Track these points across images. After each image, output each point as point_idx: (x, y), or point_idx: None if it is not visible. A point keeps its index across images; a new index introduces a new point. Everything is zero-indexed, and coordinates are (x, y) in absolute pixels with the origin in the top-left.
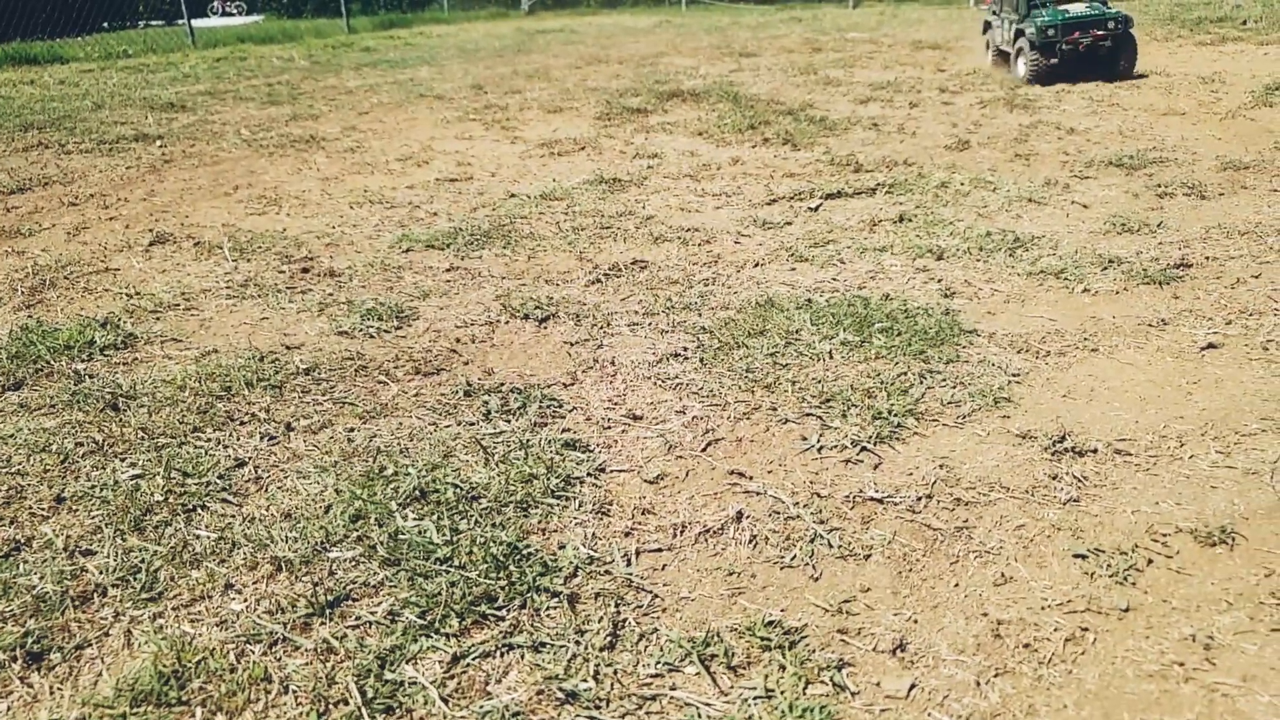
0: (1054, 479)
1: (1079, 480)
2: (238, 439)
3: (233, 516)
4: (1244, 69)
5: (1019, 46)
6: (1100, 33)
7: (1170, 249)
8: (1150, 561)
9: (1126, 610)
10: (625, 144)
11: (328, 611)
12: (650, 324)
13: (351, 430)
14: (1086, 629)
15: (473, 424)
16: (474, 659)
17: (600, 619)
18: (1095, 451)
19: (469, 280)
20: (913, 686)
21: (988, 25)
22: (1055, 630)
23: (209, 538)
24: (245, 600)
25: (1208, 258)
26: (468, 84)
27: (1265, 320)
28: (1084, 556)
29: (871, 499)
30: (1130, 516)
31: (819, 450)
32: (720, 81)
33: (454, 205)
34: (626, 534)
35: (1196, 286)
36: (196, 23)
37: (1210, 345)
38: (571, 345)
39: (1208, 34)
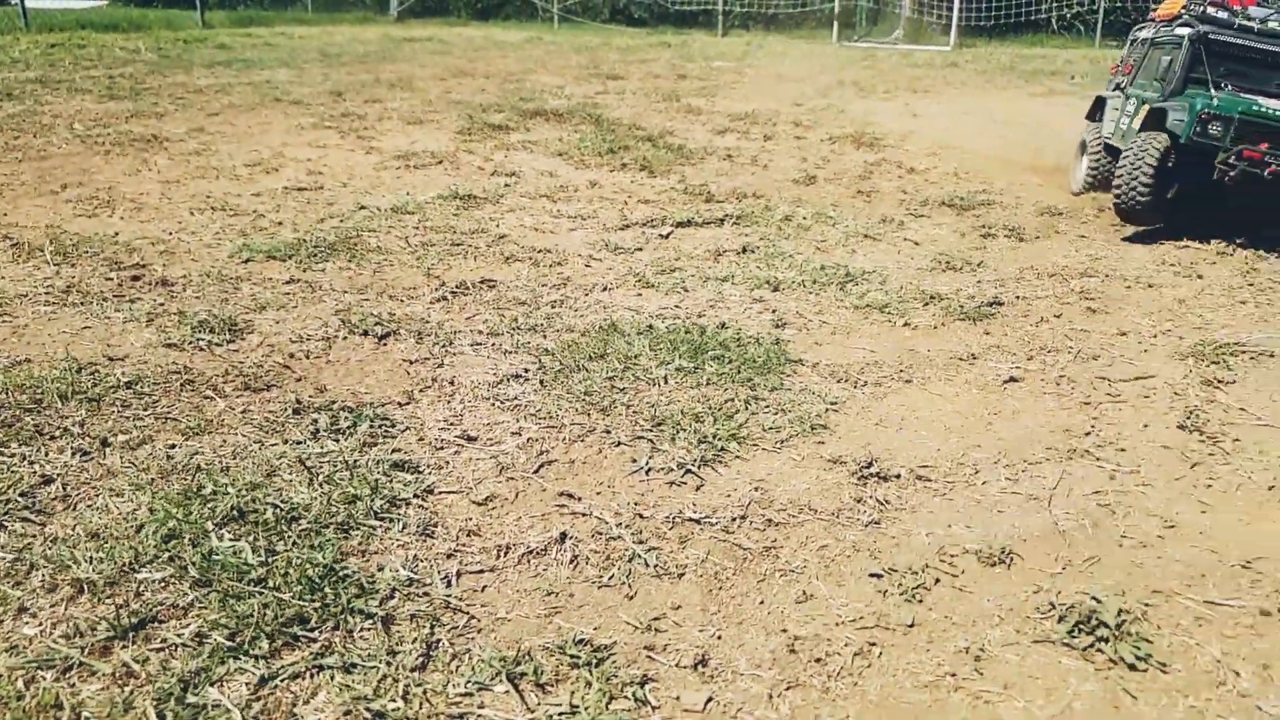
0: (859, 502)
1: (881, 504)
2: (46, 454)
3: (33, 536)
4: (1068, 121)
5: (1135, 144)
6: None
7: (987, 287)
8: (938, 580)
9: (911, 625)
10: (484, 160)
11: (131, 635)
12: (494, 344)
13: (173, 447)
14: (874, 643)
15: (299, 443)
16: (282, 680)
17: (414, 640)
18: (898, 477)
19: (309, 294)
20: (709, 700)
21: (1098, 108)
22: (846, 645)
23: (4, 559)
24: (40, 624)
25: (1018, 297)
26: (327, 89)
27: (1061, 357)
28: (879, 575)
29: (690, 519)
30: (924, 538)
31: (647, 472)
32: (585, 103)
33: (301, 215)
34: (449, 555)
35: (1005, 324)
36: (31, 3)
37: (1012, 379)
38: (411, 363)
39: (1040, 85)
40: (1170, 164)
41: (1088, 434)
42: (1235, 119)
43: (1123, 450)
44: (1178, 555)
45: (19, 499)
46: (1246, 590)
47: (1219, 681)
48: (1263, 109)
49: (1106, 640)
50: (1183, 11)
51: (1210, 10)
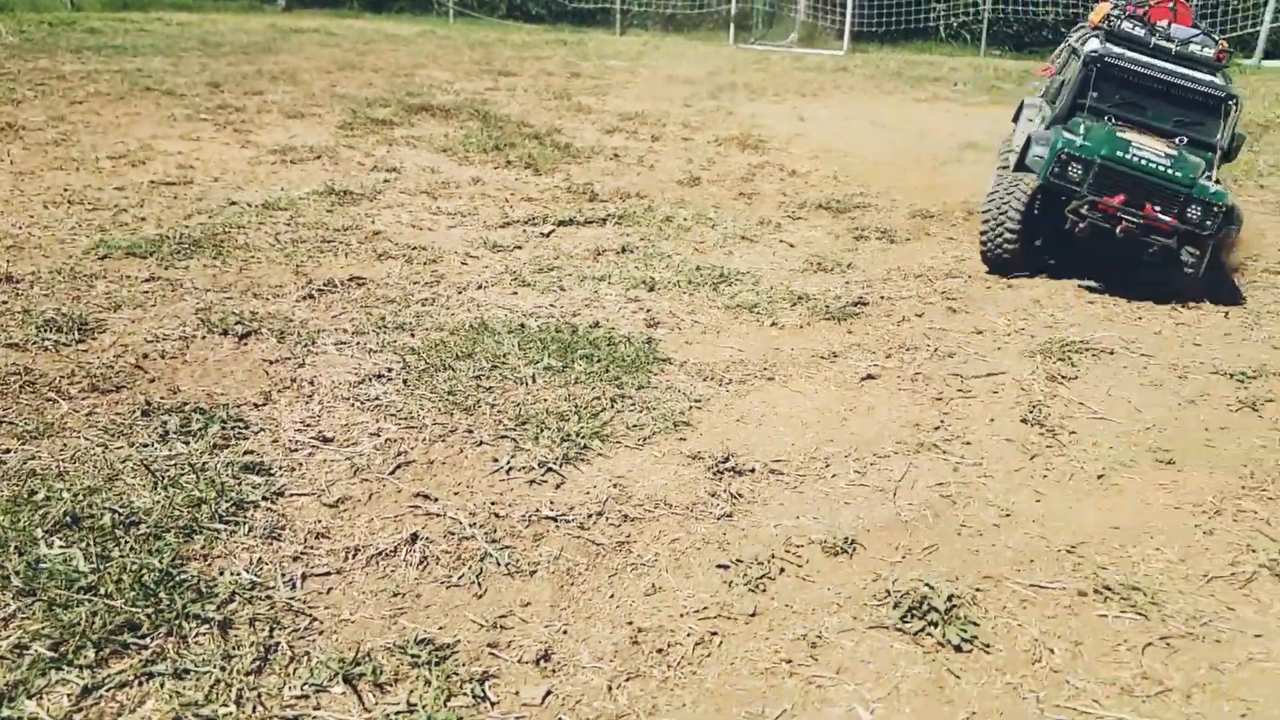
0: (713, 496)
1: (734, 498)
2: None
3: None
4: (949, 126)
5: (1001, 185)
6: (1167, 219)
7: (854, 288)
8: (782, 570)
9: (753, 615)
10: (365, 155)
11: None
12: (359, 343)
13: (6, 452)
14: (716, 633)
15: (146, 446)
16: (108, 690)
17: (251, 643)
18: (753, 471)
19: (169, 292)
20: (548, 694)
21: (1021, 111)
22: (688, 635)
23: None
24: None
25: (883, 297)
26: (204, 80)
27: (918, 355)
28: (726, 567)
29: (546, 517)
30: (772, 530)
31: (508, 472)
32: (474, 99)
33: (166, 211)
34: (295, 558)
35: (868, 323)
36: None
37: (869, 376)
38: (270, 364)
39: (925, 90)
40: (1037, 209)
41: (937, 428)
42: (1096, 163)
43: (968, 444)
44: (1010, 542)
45: None
46: (1069, 573)
47: (1035, 659)
48: (1130, 155)
49: (936, 624)
50: (1103, 23)
51: (1126, 25)
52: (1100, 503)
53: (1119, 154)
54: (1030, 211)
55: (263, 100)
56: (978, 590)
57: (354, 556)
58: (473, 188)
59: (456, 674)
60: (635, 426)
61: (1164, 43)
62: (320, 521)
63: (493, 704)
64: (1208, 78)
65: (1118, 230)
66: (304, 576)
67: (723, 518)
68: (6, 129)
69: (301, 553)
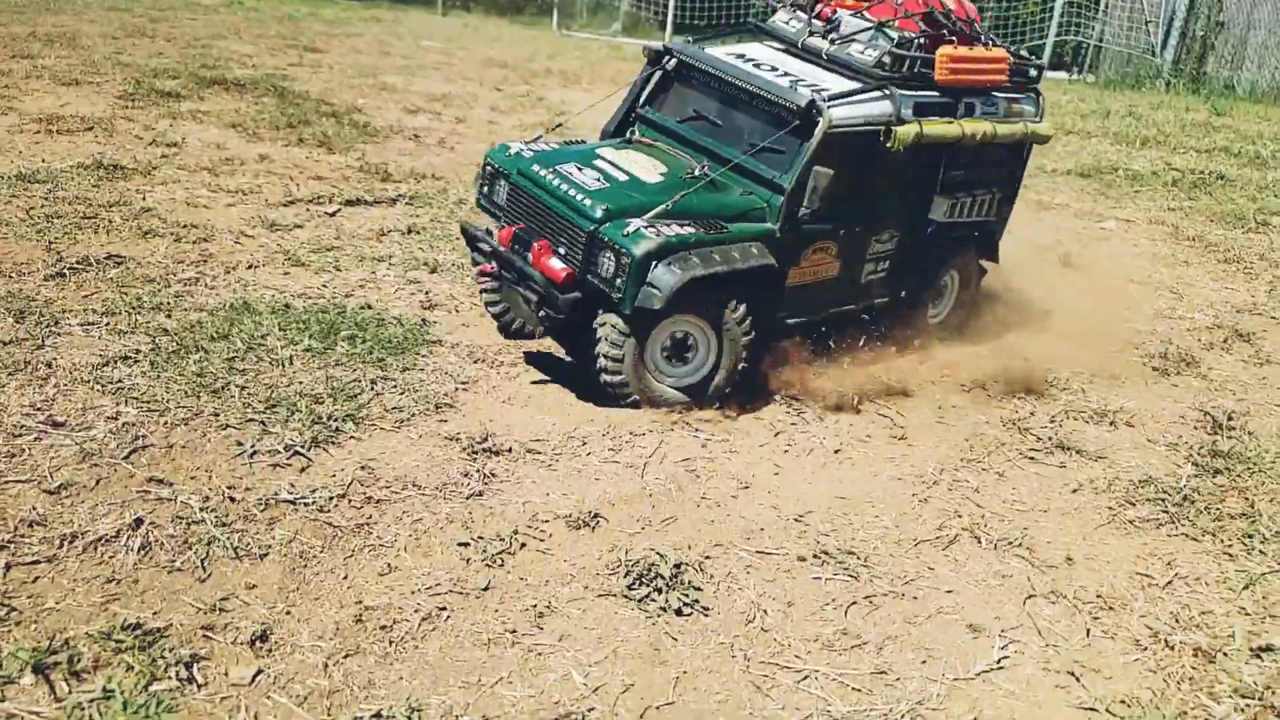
0: (465, 476)
1: (487, 477)
2: None
3: None
4: None
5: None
6: (558, 267)
7: None
8: (524, 545)
9: (486, 589)
10: (145, 129)
11: None
12: (108, 324)
13: None
14: (445, 608)
15: None
16: None
17: None
18: (510, 450)
19: None
20: (259, 673)
21: None
22: (415, 611)
23: None
24: None
25: None
26: None
27: None
28: (466, 544)
29: (284, 500)
30: (521, 507)
31: (251, 455)
32: (274, 74)
33: None
34: (2, 547)
35: None
36: None
37: None
38: (4, 345)
39: None
40: None
41: (691, 408)
42: (510, 179)
43: (720, 422)
44: (745, 513)
45: None
46: (794, 540)
47: (749, 620)
48: (544, 172)
49: (661, 590)
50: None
51: (781, 16)
52: (832, 474)
53: (534, 169)
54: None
55: (33, 64)
56: (706, 558)
57: (70, 544)
58: (259, 165)
59: (163, 658)
60: (394, 408)
61: (819, 41)
62: (36, 509)
63: (200, 686)
64: (787, 89)
65: (477, 273)
66: (8, 566)
67: (472, 497)
68: None
69: (9, 541)
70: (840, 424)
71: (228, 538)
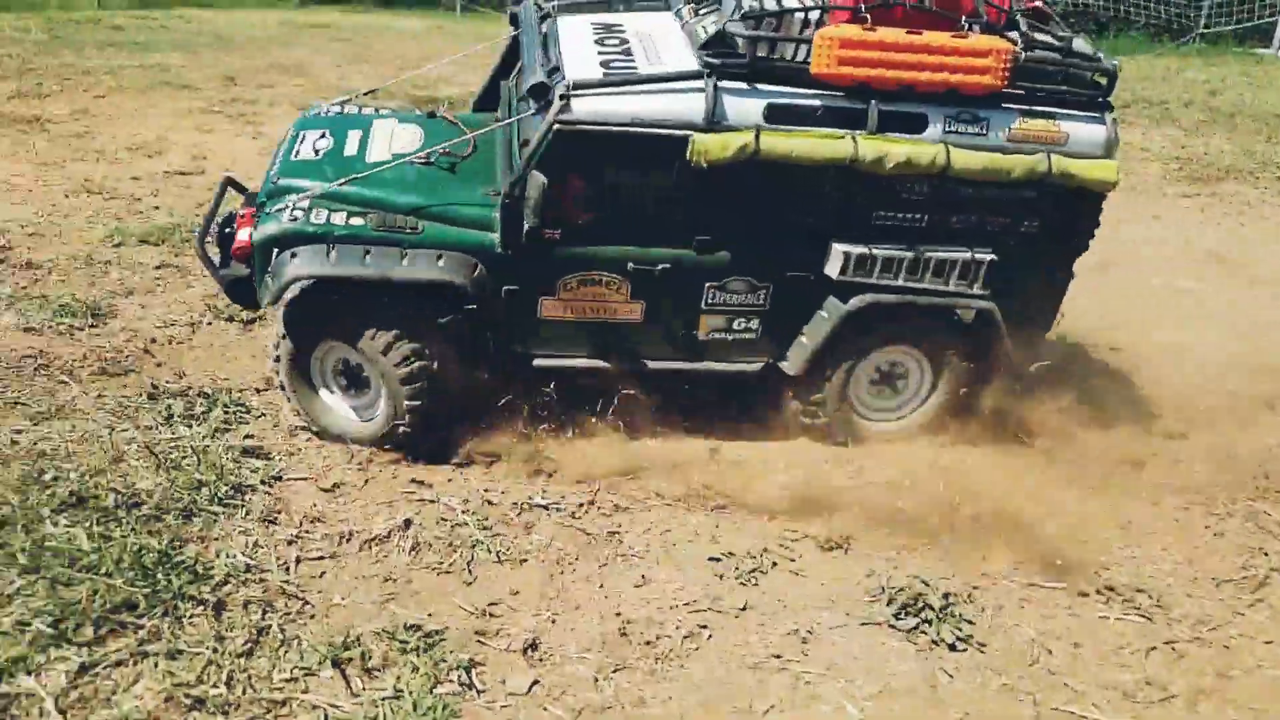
0: (707, 489)
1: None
2: None
3: None
4: None
5: None
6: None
7: None
8: (775, 564)
9: (744, 609)
10: None
11: None
12: None
13: (18, 431)
14: (705, 626)
15: (150, 428)
16: (104, 668)
17: (244, 626)
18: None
19: (178, 279)
20: (535, 683)
21: None
22: (677, 628)
23: None
24: None
25: None
26: (219, 74)
27: None
28: (717, 559)
29: (538, 505)
30: (765, 523)
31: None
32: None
33: (179, 200)
34: (290, 542)
35: None
36: None
37: None
38: None
39: None
40: None
41: None
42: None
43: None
44: (1013, 539)
45: None
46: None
47: (1031, 660)
48: (291, 135)
49: (930, 622)
50: None
51: None
52: (1110, 499)
53: (294, 130)
54: None
55: (274, 93)
56: (974, 588)
57: (348, 541)
58: None
59: (444, 661)
60: None
61: (687, 10)
62: (316, 506)
63: (479, 692)
64: (532, 69)
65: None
66: (298, 560)
67: (716, 509)
68: (33, 122)
69: (297, 536)
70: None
71: (490, 542)
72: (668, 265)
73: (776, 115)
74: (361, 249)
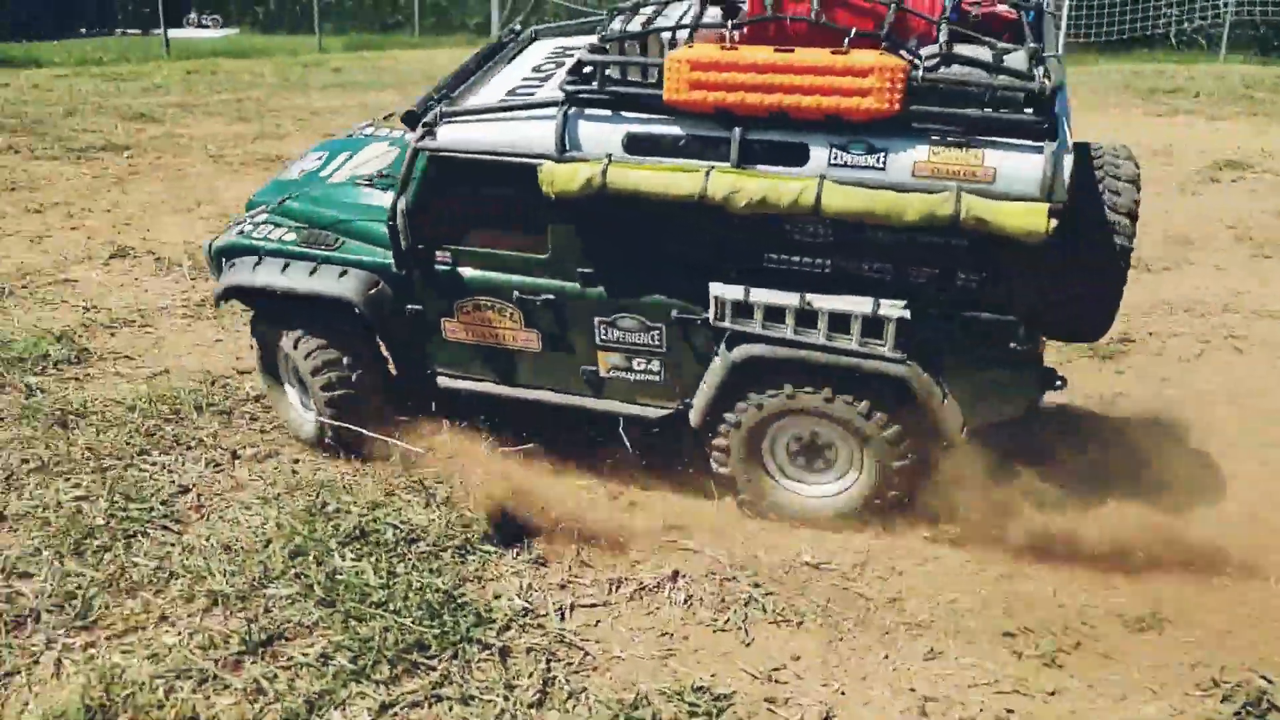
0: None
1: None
2: (183, 464)
3: (172, 545)
4: (1193, 143)
5: None
6: None
7: None
8: (1078, 644)
9: (1053, 693)
10: None
11: (260, 650)
12: None
13: (297, 461)
14: (1012, 710)
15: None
16: (402, 708)
17: (531, 674)
18: None
19: None
20: None
21: None
22: (981, 710)
23: (148, 566)
24: (179, 633)
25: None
26: None
27: None
28: (1012, 635)
29: (807, 564)
30: (1061, 598)
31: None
32: None
33: None
34: (562, 586)
35: None
36: (172, 33)
37: None
38: None
39: (1160, 104)
40: None
41: None
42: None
43: None
44: None
45: (160, 506)
46: None
47: None
48: (305, 154)
49: None
50: None
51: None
52: None
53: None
54: None
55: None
56: None
57: (617, 589)
58: None
59: None
60: None
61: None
62: (582, 551)
63: None
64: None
65: None
66: (572, 607)
67: (1001, 579)
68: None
69: (567, 581)
70: None
71: (764, 600)
72: (551, 296)
73: (635, 145)
74: (282, 262)
